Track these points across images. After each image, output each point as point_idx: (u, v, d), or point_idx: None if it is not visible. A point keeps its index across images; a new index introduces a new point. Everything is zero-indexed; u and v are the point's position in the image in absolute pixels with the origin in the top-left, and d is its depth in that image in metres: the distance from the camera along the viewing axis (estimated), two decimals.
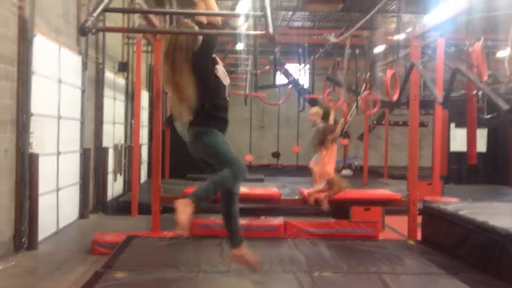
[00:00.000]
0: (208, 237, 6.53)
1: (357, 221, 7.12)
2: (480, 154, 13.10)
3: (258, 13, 3.78)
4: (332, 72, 12.93)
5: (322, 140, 7.45)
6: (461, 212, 5.89)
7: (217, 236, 6.36)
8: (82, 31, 2.72)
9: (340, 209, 7.90)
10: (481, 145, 13.53)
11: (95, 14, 2.79)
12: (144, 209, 9.03)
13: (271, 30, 2.90)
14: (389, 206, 7.87)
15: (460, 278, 4.96)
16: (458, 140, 13.94)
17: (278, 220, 7.14)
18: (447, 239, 6.02)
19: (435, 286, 4.84)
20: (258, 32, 3.24)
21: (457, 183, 13.58)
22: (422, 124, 11.81)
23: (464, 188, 12.55)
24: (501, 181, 13.77)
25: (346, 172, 16.88)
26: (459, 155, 13.74)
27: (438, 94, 5.82)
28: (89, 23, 2.71)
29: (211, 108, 3.69)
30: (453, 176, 13.62)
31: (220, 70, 3.73)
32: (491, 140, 14.12)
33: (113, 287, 4.55)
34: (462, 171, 14.22)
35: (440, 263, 5.53)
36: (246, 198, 7.76)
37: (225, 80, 3.78)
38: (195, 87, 3.49)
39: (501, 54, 10.65)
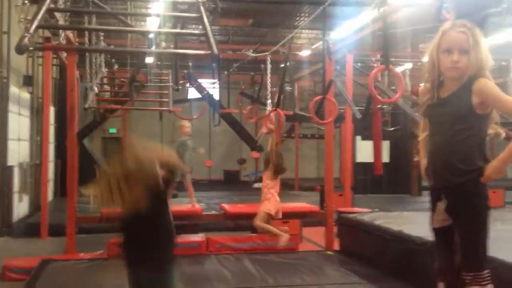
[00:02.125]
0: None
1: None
2: (384, 164, 13.84)
3: (198, 32, 3.76)
4: (246, 87, 13.12)
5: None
6: (376, 222, 6.18)
7: None
8: (19, 49, 2.56)
9: None
10: (385, 156, 14.29)
11: (31, 31, 2.64)
12: (55, 231, 8.62)
13: (215, 50, 2.90)
14: (307, 218, 8.09)
15: (380, 286, 5.20)
16: (363, 152, 14.61)
17: (200, 237, 7.10)
18: (365, 248, 6.29)
19: None
20: (202, 52, 3.20)
21: (363, 193, 14.21)
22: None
23: (370, 197, 13.14)
24: (403, 190, 14.61)
25: (257, 185, 17.12)
26: (364, 166, 14.40)
27: (357, 110, 6.10)
28: (25, 40, 2.56)
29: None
30: (359, 187, 14.23)
31: None
32: (394, 152, 14.96)
33: None
34: (367, 182, 14.90)
35: (360, 272, 5.77)
36: None
37: None
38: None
39: (399, 69, 11.36)
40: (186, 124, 9.15)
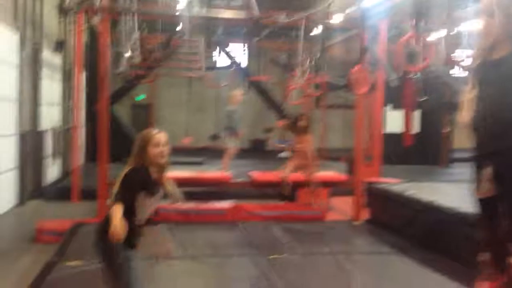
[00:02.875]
0: (160, 222, 6.42)
1: (306, 203, 7.24)
2: (413, 135, 13.66)
3: None
4: (276, 54, 12.94)
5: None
6: (407, 193, 6.11)
7: (166, 221, 6.28)
8: (63, 9, 2.51)
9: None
10: (415, 127, 14.08)
11: None
12: (85, 195, 8.76)
13: (256, 12, 2.82)
14: (335, 187, 8.04)
15: (409, 256, 5.17)
16: (392, 122, 14.40)
17: (227, 204, 7.13)
18: (394, 219, 6.24)
19: (388, 265, 5.02)
20: (241, 17, 3.12)
21: (391, 164, 14.06)
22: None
23: (398, 168, 13.01)
24: (432, 161, 14.40)
25: (284, 154, 17.08)
26: (392, 136, 14.21)
27: (394, 77, 5.96)
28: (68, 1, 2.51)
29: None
30: (387, 157, 14.08)
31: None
32: (424, 122, 14.69)
33: (69, 277, 4.41)
34: (396, 152, 14.72)
35: (389, 242, 5.74)
36: (195, 181, 7.74)
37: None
38: None
39: (433, 37, 11.02)
40: (239, 93, 9.21)
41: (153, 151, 3.13)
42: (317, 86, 12.59)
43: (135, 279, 3.14)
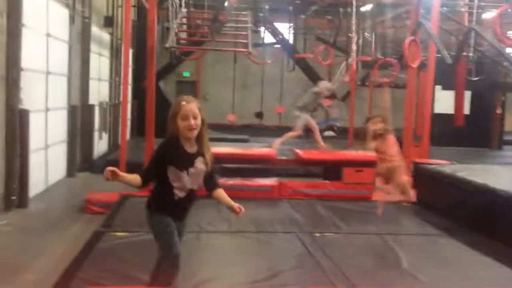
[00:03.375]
0: (205, 197, 6.46)
1: (351, 182, 7.14)
2: (464, 116, 13.25)
3: None
4: (322, 31, 12.72)
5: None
6: (459, 174, 5.93)
7: None
8: None
9: (332, 170, 7.90)
10: (465, 107, 13.63)
11: None
12: (132, 168, 8.86)
13: None
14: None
15: (458, 239, 5.03)
16: (442, 102, 14.00)
17: (272, 181, 7.11)
18: (443, 200, 6.08)
19: (435, 246, 4.89)
20: None
21: (439, 145, 13.71)
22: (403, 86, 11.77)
23: (447, 150, 12.67)
24: (482, 143, 13.95)
25: (328, 133, 16.91)
26: (442, 117, 13.82)
27: (447, 54, 5.75)
28: None
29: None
30: (436, 138, 13.74)
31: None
32: (475, 103, 14.21)
33: (115, 246, 4.49)
34: (445, 133, 14.34)
35: (437, 224, 5.60)
36: (240, 158, 7.74)
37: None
38: None
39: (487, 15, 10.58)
40: (328, 86, 9.36)
41: (181, 124, 2.98)
42: (365, 64, 12.33)
43: (174, 246, 3.09)
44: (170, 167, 3.01)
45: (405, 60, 6.28)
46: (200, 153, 3.08)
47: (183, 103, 3.00)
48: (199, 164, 3.07)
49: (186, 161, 3.04)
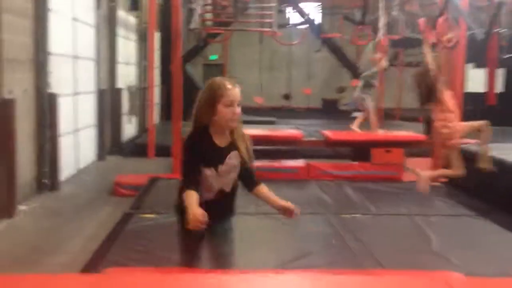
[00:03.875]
0: None
1: (381, 163, 7.04)
2: (497, 94, 12.91)
3: None
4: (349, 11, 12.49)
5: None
6: (489, 154, 5.77)
7: None
8: None
9: (361, 151, 7.79)
10: (499, 86, 13.29)
11: None
12: (160, 151, 8.96)
13: None
14: (411, 147, 7.76)
15: (491, 219, 4.92)
16: (475, 81, 13.67)
17: (301, 162, 7.06)
18: (474, 181, 5.94)
19: (468, 228, 4.79)
20: None
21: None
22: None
23: None
24: None
25: (357, 113, 16.71)
26: (474, 96, 13.51)
27: (479, 30, 5.57)
28: None
29: None
30: (468, 118, 13.46)
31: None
32: (509, 80, 13.83)
33: (144, 228, 4.52)
34: (477, 112, 14.02)
35: (469, 205, 5.50)
36: (266, 140, 7.70)
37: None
38: None
39: None
40: (380, 56, 9.01)
41: (224, 111, 2.50)
42: (394, 43, 12.09)
43: (192, 256, 2.72)
44: (202, 164, 2.57)
45: (438, 40, 6.07)
46: (234, 146, 2.62)
47: (229, 86, 2.53)
48: (233, 159, 2.61)
49: (217, 157, 2.58)
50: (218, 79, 2.62)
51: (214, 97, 2.53)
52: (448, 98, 4.63)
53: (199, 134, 2.58)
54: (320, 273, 2.89)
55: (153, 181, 6.36)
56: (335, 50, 13.67)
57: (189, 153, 2.57)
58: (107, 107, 9.25)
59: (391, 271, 3.28)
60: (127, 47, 10.87)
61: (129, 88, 10.91)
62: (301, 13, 12.55)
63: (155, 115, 13.53)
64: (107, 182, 6.96)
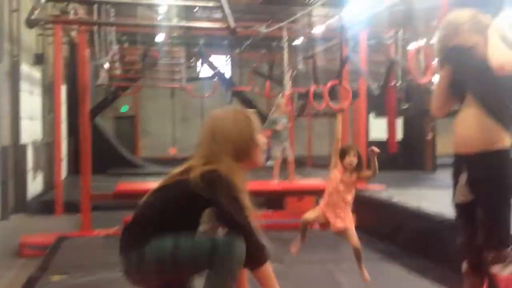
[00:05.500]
0: None
1: (294, 211, 7.21)
2: (397, 142, 13.75)
3: (214, 4, 3.63)
4: (258, 65, 12.98)
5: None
6: (394, 200, 6.11)
7: None
8: (30, 22, 2.48)
9: (275, 200, 7.96)
10: (398, 134, 14.16)
11: (42, 2, 2.55)
12: (69, 208, 8.65)
13: (232, 23, 2.80)
14: (322, 195, 8.00)
15: (399, 263, 5.14)
16: (376, 129, 14.50)
17: None
18: (382, 225, 6.24)
19: (378, 272, 4.96)
20: (217, 26, 3.11)
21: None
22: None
23: (383, 175, 13.00)
24: (417, 167, 14.48)
25: (270, 162, 17.04)
26: (377, 143, 14.30)
27: (374, 85, 5.99)
28: (36, 13, 2.47)
29: None
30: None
31: None
32: (407, 129, 14.80)
33: None
34: (381, 159, 14.79)
35: (378, 249, 5.71)
36: None
37: None
38: None
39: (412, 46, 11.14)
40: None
41: (257, 154, 2.39)
42: (300, 96, 12.63)
43: None
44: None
45: (328, 105, 6.47)
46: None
47: (259, 130, 2.37)
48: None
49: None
50: (252, 115, 2.46)
51: (251, 139, 2.42)
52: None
53: (226, 175, 2.34)
54: None
55: (61, 239, 6.08)
56: (246, 102, 14.01)
57: (240, 199, 2.32)
58: (10, 164, 8.82)
59: None
60: (32, 102, 10.53)
61: (34, 143, 10.50)
62: (211, 66, 12.83)
63: (63, 170, 13.09)
64: (12, 243, 6.57)
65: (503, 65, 2.52)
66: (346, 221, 4.45)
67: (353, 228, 4.41)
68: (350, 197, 4.43)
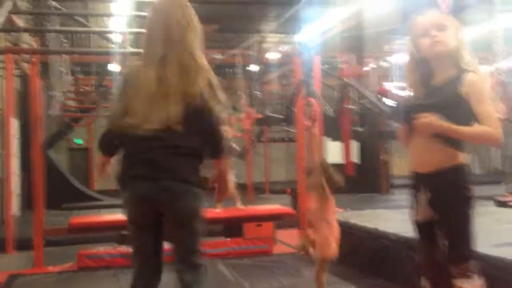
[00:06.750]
0: (100, 269, 6.19)
1: (252, 237, 7.19)
2: (354, 164, 13.94)
3: None
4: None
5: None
6: (351, 221, 6.18)
7: (110, 267, 6.09)
8: None
9: (233, 227, 7.90)
10: (354, 156, 14.38)
11: None
12: (21, 245, 8.35)
13: None
14: (281, 220, 8.04)
15: (356, 284, 5.19)
16: (333, 152, 14.68)
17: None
18: (340, 248, 6.26)
19: None
20: None
21: (333, 193, 14.25)
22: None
23: (340, 197, 13.14)
24: (372, 189, 14.74)
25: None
26: (334, 166, 14.48)
27: (330, 109, 6.09)
28: None
29: None
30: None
31: None
32: (362, 151, 15.07)
33: None
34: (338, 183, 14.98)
35: (336, 272, 5.72)
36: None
37: None
38: None
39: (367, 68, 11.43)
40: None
41: None
42: (258, 122, 12.73)
43: None
44: None
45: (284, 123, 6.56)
46: None
47: None
48: None
49: None
50: None
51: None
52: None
53: None
54: None
55: (13, 278, 5.88)
56: None
57: None
58: None
59: None
60: None
61: None
62: None
63: (14, 206, 12.67)
64: None
65: (501, 137, 2.71)
66: None
67: None
68: None
